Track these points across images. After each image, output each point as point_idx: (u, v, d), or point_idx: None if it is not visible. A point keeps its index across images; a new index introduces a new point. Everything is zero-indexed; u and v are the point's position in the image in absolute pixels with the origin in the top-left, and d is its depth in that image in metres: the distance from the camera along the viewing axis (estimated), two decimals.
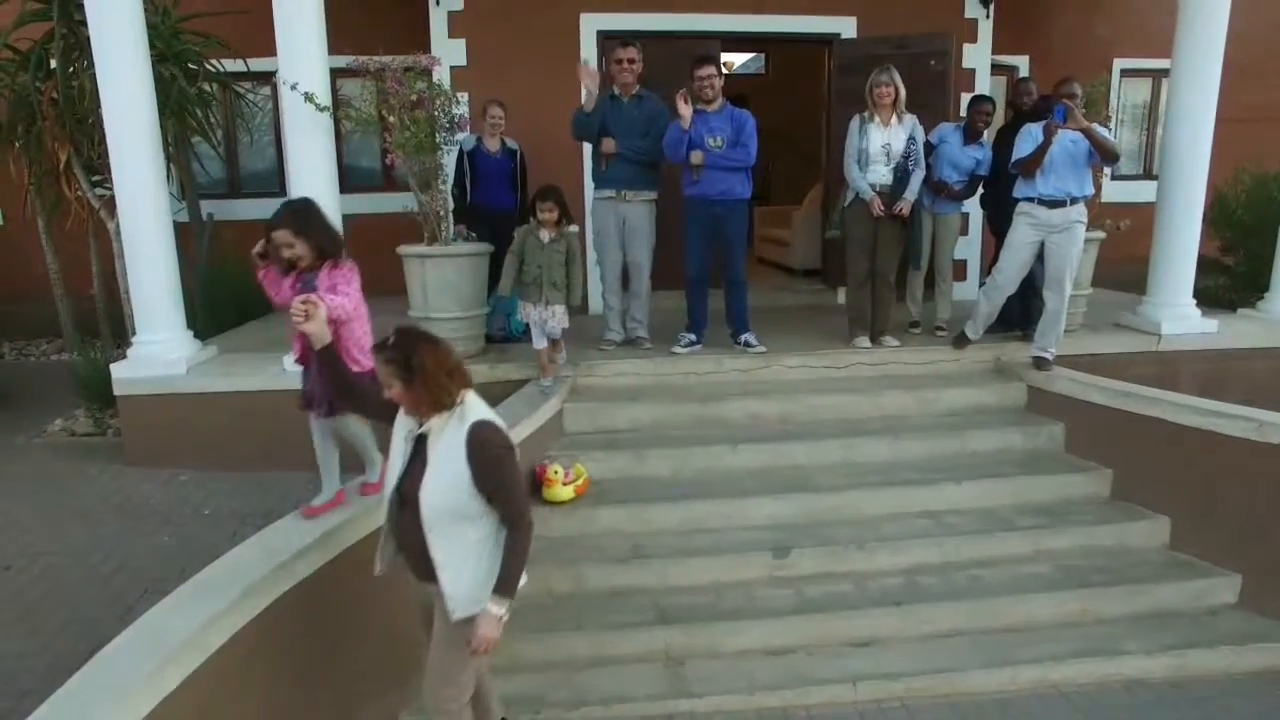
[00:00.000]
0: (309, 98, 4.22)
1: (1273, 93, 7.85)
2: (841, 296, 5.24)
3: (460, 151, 5.27)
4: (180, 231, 6.68)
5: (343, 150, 7.41)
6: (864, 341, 4.97)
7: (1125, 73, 8.43)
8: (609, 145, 4.75)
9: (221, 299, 6.57)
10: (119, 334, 6.52)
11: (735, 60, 13.35)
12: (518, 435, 3.85)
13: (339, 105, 7.31)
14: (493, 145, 5.29)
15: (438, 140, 4.60)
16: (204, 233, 7.06)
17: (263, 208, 7.16)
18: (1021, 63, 8.18)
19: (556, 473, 3.86)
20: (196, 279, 6.64)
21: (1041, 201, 4.52)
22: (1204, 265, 6.64)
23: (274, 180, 7.83)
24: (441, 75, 6.17)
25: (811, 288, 7.32)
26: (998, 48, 7.11)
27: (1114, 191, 7.82)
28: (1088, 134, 4.39)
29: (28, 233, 6.88)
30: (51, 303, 7.06)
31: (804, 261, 7.97)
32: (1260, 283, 5.92)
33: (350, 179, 7.58)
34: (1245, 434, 3.67)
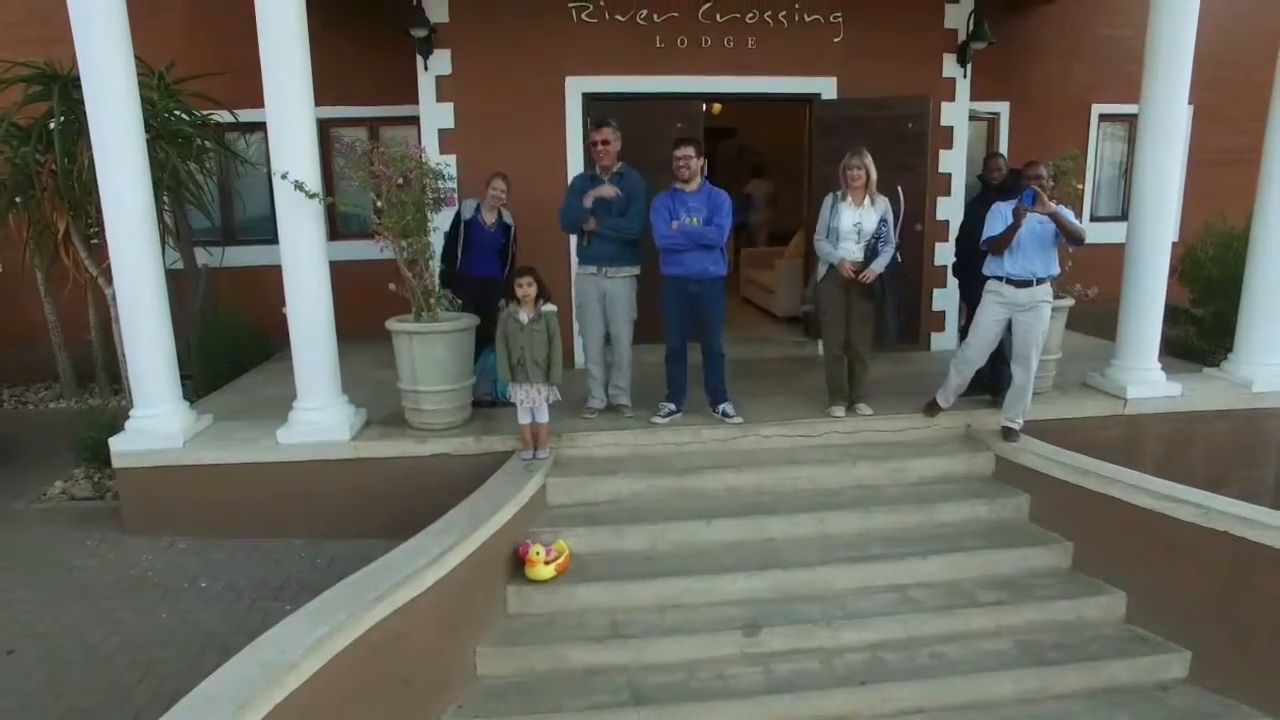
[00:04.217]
0: (299, 186, 4.39)
1: (1243, 136, 8.05)
2: (822, 349, 5.42)
3: (458, 217, 5.41)
4: (175, 279, 6.86)
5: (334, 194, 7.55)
6: (839, 410, 5.13)
7: (1104, 117, 8.63)
8: (590, 224, 4.91)
9: (217, 349, 6.71)
10: (115, 380, 6.66)
11: None
12: (504, 516, 4.01)
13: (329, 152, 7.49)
14: (489, 218, 5.40)
15: (424, 217, 4.74)
16: (199, 283, 7.21)
17: (257, 255, 7.38)
18: (1002, 109, 8.37)
19: (538, 553, 4.01)
20: (192, 330, 6.80)
21: (1009, 280, 4.70)
22: (1176, 315, 6.84)
23: (268, 227, 7.96)
24: (429, 137, 6.34)
25: (794, 338, 7.47)
26: (978, 94, 7.27)
27: (1097, 233, 8.00)
28: (1054, 218, 4.56)
29: (26, 280, 7.03)
30: (49, 347, 7.22)
31: (787, 309, 8.10)
32: (1226, 338, 6.10)
33: (342, 227, 7.74)
34: (1194, 519, 3.83)
